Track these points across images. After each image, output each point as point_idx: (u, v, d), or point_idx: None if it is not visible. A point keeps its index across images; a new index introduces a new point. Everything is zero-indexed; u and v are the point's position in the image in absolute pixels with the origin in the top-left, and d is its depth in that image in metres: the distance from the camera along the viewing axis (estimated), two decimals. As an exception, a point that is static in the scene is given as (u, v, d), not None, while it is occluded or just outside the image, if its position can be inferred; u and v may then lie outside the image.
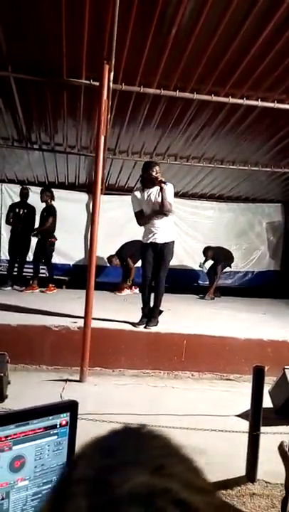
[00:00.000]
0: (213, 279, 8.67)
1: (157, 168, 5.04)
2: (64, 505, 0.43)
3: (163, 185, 4.93)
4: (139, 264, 6.98)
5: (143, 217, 5.10)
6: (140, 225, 5.17)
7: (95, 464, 0.46)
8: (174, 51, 4.34)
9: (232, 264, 9.27)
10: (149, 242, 5.10)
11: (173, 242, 5.21)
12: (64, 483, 0.47)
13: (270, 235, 10.42)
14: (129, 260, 8.19)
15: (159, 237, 5.05)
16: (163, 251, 5.07)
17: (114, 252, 8.48)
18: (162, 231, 5.06)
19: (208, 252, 8.78)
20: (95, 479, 0.45)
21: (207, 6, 3.68)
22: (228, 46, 4.24)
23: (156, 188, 4.98)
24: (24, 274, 7.96)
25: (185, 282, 9.45)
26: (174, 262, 8.91)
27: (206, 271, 9.21)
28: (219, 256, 8.77)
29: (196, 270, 9.69)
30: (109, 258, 8.45)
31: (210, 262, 8.95)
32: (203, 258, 8.94)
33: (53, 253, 8.15)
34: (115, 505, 0.41)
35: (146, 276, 5.20)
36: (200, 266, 9.27)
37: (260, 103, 5.25)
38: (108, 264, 8.67)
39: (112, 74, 4.44)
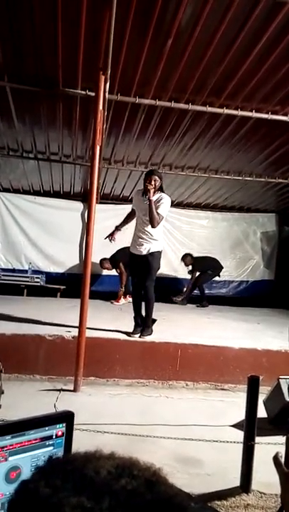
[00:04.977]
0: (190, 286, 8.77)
1: (155, 177, 4.89)
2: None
3: (151, 197, 4.80)
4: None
5: (129, 217, 5.37)
6: (122, 223, 5.48)
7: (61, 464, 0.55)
8: (170, 62, 4.39)
9: (223, 274, 9.31)
10: (133, 252, 5.10)
11: (159, 252, 5.10)
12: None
13: (265, 245, 10.45)
14: (121, 265, 8.16)
15: (143, 247, 4.99)
16: (147, 261, 4.99)
17: (107, 256, 8.41)
18: (147, 241, 5.00)
19: (186, 258, 8.85)
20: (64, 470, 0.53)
21: (203, 17, 3.73)
22: (223, 58, 4.29)
23: (154, 197, 4.85)
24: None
25: (179, 291, 9.45)
26: (168, 272, 9.03)
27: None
28: (198, 265, 8.81)
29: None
30: (101, 261, 8.42)
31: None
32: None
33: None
34: (104, 485, 0.49)
35: (134, 284, 5.23)
36: (188, 273, 9.32)
37: (254, 114, 5.31)
38: (102, 269, 8.66)
39: (107, 84, 4.48)
